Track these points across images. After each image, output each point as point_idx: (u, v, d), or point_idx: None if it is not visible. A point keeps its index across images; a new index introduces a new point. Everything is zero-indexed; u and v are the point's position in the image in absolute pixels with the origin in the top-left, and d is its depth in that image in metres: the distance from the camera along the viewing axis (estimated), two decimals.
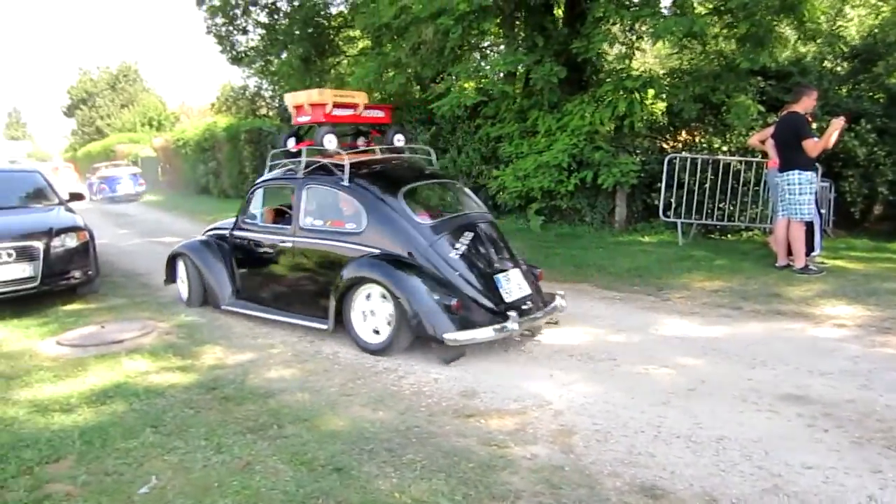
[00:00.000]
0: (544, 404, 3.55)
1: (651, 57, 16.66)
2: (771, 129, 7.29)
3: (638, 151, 9.87)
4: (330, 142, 5.28)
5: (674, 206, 8.96)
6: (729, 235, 9.73)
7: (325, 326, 4.74)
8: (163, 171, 28.11)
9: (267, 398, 3.73)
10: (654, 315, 5.56)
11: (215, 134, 20.80)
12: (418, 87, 12.70)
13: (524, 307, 4.57)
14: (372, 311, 4.55)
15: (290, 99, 5.91)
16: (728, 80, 9.25)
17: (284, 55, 14.79)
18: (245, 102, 22.05)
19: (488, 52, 12.41)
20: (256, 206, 5.76)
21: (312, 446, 3.08)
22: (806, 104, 6.68)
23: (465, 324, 4.21)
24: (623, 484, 2.72)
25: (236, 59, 16.47)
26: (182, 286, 6.28)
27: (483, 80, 10.17)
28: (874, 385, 3.80)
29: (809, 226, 6.79)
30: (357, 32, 13.63)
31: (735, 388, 3.78)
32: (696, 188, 8.90)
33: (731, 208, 9.12)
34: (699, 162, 8.94)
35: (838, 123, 6.64)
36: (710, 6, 9.11)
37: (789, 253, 6.83)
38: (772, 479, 2.74)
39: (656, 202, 9.21)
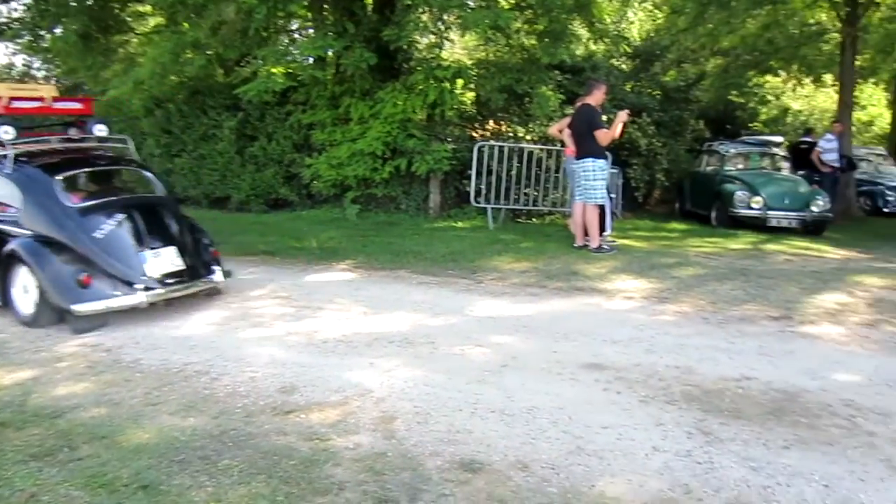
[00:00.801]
0: (365, 393, 3.54)
1: (460, 48, 17.26)
2: (567, 120, 7.89)
3: (450, 139, 10.19)
4: (6, 132, 5.36)
5: (484, 192, 9.38)
6: (535, 219, 10.41)
7: None
8: None
9: (55, 418, 3.27)
10: (468, 297, 5.78)
11: None
12: (222, 71, 11.98)
13: (170, 281, 5.09)
14: (25, 288, 4.93)
15: None
16: (531, 73, 9.84)
17: (59, 30, 13.09)
18: (12, 83, 19.33)
19: (297, 35, 12.04)
20: None
21: (113, 465, 2.78)
22: (597, 97, 7.30)
23: (99, 296, 4.72)
24: (444, 462, 2.80)
25: None
26: None
27: (292, 65, 9.86)
28: (656, 349, 4.28)
29: (602, 209, 7.47)
30: (148, 8, 12.46)
31: (542, 361, 4.06)
32: (504, 175, 9.39)
33: (536, 194, 9.76)
34: (506, 150, 9.44)
35: (623, 116, 7.34)
36: (513, 1, 9.60)
37: (586, 234, 7.45)
38: (575, 441, 2.98)
39: (468, 189, 9.58)
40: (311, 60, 10.23)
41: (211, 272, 5.48)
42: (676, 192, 13.70)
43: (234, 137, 11.08)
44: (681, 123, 13.82)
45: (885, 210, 14.66)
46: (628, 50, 13.76)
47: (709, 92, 16.29)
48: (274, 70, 9.24)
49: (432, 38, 9.91)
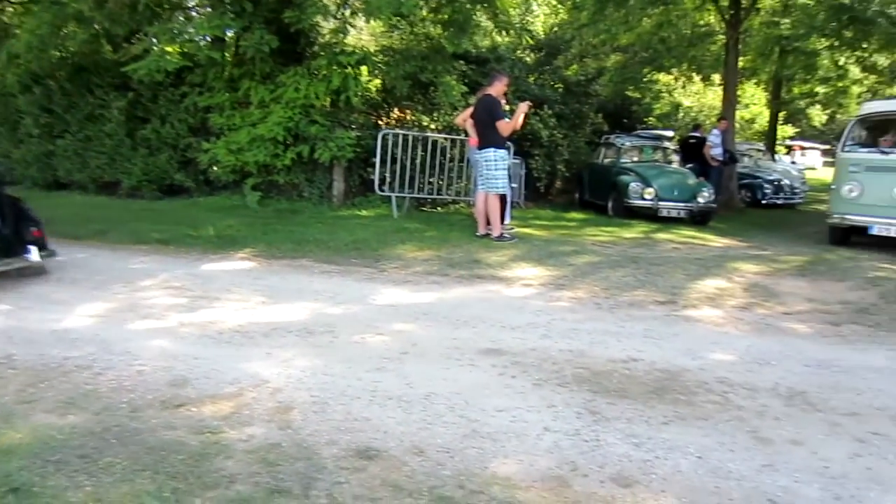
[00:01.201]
0: (261, 384, 3.47)
1: (368, 34, 17.07)
2: (471, 110, 7.99)
3: (354, 126, 10.09)
4: None
5: (388, 180, 9.37)
6: (440, 208, 10.50)
7: None
8: None
9: None
10: (371, 286, 5.77)
11: None
12: (110, 48, 11.30)
13: None
14: None
15: None
16: (435, 62, 9.89)
17: None
18: None
19: (194, 13, 11.51)
20: None
21: None
22: (498, 88, 7.43)
23: None
24: (340, 450, 2.79)
25: None
26: None
27: (188, 45, 9.44)
28: (551, 334, 4.43)
29: (504, 198, 7.63)
30: None
31: (442, 348, 4.11)
32: (409, 163, 9.41)
33: (440, 183, 9.84)
34: (410, 138, 9.45)
35: (523, 107, 7.51)
36: None
37: (488, 223, 7.59)
38: (470, 425, 3.04)
39: (372, 177, 9.53)
40: (208, 40, 9.83)
41: (27, 251, 5.45)
42: (576, 183, 14.19)
43: (124, 119, 10.51)
44: (581, 116, 14.31)
45: (763, 202, 15.79)
46: (531, 42, 14.06)
47: (607, 87, 16.92)
48: (169, 48, 8.81)
49: (336, 22, 9.74)
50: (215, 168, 9.77)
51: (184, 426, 2.97)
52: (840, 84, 20.31)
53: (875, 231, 8.60)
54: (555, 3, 18.50)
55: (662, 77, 20.03)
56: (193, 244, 7.21)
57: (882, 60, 19.60)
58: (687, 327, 4.73)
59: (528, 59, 14.89)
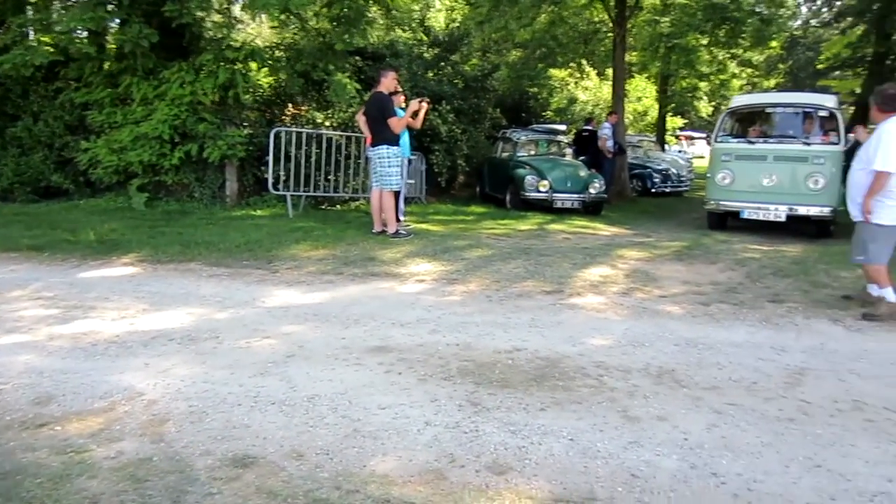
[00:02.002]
0: (135, 396, 3.33)
1: (265, 29, 16.63)
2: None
3: (246, 124, 9.82)
4: None
5: (283, 179, 9.18)
6: (338, 206, 10.40)
7: None
8: None
9: None
10: (262, 288, 5.65)
11: None
12: None
13: None
14: None
15: None
16: (328, 59, 9.76)
17: None
18: None
19: (70, 4, 10.82)
20: None
21: None
22: (387, 84, 7.43)
23: None
24: (215, 460, 2.73)
25: None
26: None
27: (62, 37, 8.86)
28: (441, 329, 4.50)
29: (398, 195, 7.65)
30: None
31: (329, 348, 4.09)
32: (304, 161, 9.26)
33: (337, 180, 9.74)
34: (304, 136, 9.30)
35: (414, 105, 7.55)
36: None
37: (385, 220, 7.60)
38: (353, 425, 3.05)
39: (266, 175, 9.31)
40: (85, 33, 9.28)
41: None
42: (476, 177, 14.42)
43: None
44: (480, 111, 14.53)
45: (653, 190, 16.63)
46: (425, 38, 14.13)
47: (505, 83, 17.27)
48: (45, 39, 8.21)
49: (221, 17, 9.43)
50: (97, 168, 9.24)
51: (45, 447, 2.81)
52: (720, 78, 21.65)
53: (746, 215, 9.27)
54: (453, 1, 18.70)
55: (558, 72, 20.69)
56: (71, 250, 6.80)
57: (756, 56, 21.07)
58: (571, 315, 4.92)
59: (426, 54, 14.97)
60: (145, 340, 4.19)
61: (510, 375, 3.67)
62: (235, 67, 8.79)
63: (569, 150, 13.50)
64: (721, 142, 9.77)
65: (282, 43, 10.55)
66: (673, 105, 28.23)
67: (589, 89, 23.38)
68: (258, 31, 16.91)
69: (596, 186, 11.41)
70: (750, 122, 10.36)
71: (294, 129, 9.36)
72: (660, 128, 24.26)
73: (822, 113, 9.52)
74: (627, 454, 2.82)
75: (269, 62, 9.47)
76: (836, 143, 9.07)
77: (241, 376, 3.63)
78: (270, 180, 9.07)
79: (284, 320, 4.71)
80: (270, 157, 8.94)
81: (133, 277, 5.97)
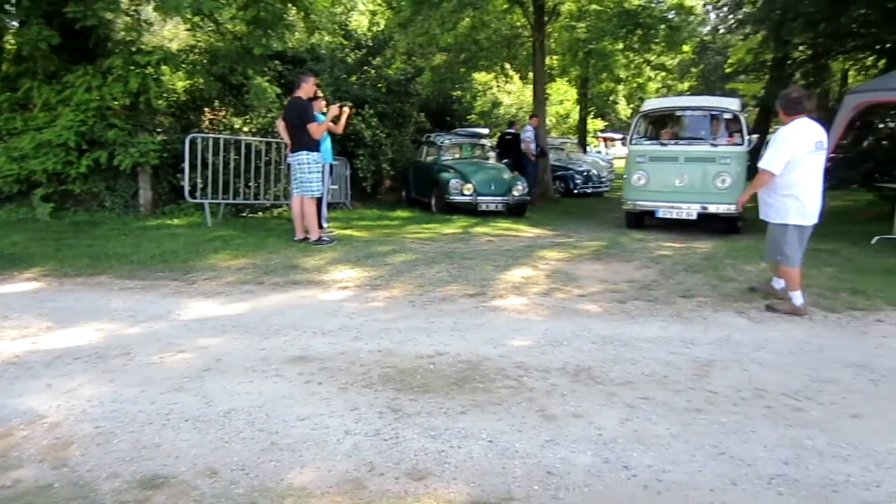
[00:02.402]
0: (36, 420, 3.15)
1: (182, 32, 16.11)
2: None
3: (159, 130, 9.47)
4: None
5: (200, 186, 8.91)
6: (260, 213, 10.18)
7: None
8: None
9: None
10: (178, 300, 5.45)
11: None
12: None
13: None
14: None
15: None
16: (246, 62, 9.53)
17: None
18: None
19: None
20: None
21: None
22: (307, 90, 7.33)
23: None
24: (122, 483, 2.61)
25: None
26: None
27: None
28: (363, 336, 4.47)
29: (320, 201, 7.56)
30: None
31: (248, 361, 3.99)
32: (222, 168, 9.01)
33: (258, 187, 9.53)
34: (222, 142, 9.05)
35: (334, 110, 7.49)
36: None
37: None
38: (270, 438, 2.99)
39: (183, 183, 9.01)
40: None
41: None
42: (402, 182, 14.41)
43: None
44: (404, 115, 14.53)
45: (575, 191, 17.06)
46: (344, 42, 14.02)
47: (428, 86, 17.33)
48: None
49: (129, 19, 9.07)
50: None
51: None
52: (637, 81, 22.44)
53: (661, 214, 9.64)
54: (376, 4, 18.62)
55: (481, 76, 20.93)
56: None
57: (669, 60, 21.95)
58: (493, 317, 4.98)
59: (349, 58, 14.85)
60: (48, 360, 3.97)
61: (431, 380, 3.68)
62: (147, 72, 8.45)
63: (492, 154, 13.69)
64: (636, 144, 10.11)
65: (197, 46, 10.23)
66: (593, 108, 29.07)
67: (512, 93, 23.77)
68: (174, 33, 16.38)
69: (519, 189, 11.61)
70: (662, 124, 10.81)
71: (211, 135, 9.09)
72: (581, 130, 24.93)
73: (727, 115, 9.96)
74: (544, 452, 2.88)
75: (184, 66, 9.16)
76: (740, 144, 9.52)
77: (152, 393, 3.49)
78: (187, 188, 8.78)
79: (201, 333, 4.56)
80: (186, 164, 8.65)
81: (36, 293, 5.65)
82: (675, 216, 9.51)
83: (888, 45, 12.92)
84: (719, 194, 9.27)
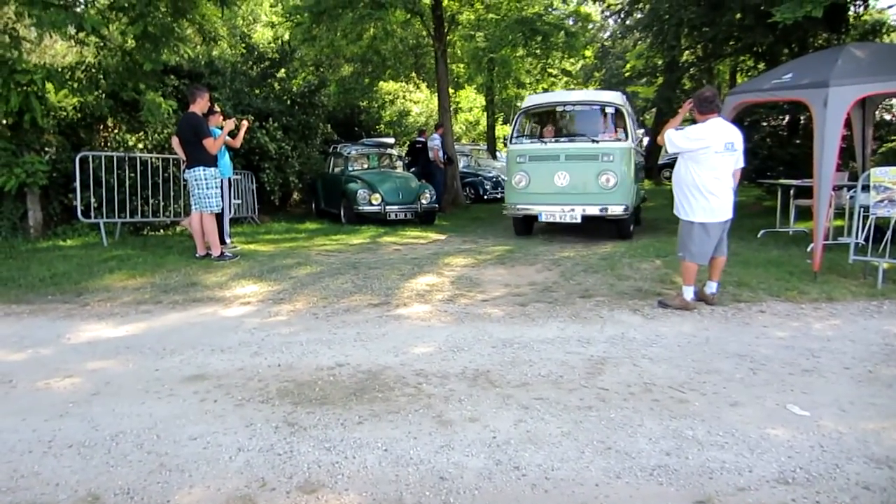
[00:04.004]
0: None
1: (66, 48, 15.36)
2: None
3: (47, 149, 9.01)
4: None
5: (95, 205, 8.53)
6: (162, 231, 9.84)
7: None
8: None
9: None
10: (69, 323, 5.22)
11: None
12: None
13: None
14: None
15: None
16: (137, 78, 9.20)
17: None
18: None
19: None
20: None
21: None
22: (201, 105, 7.19)
23: None
24: None
25: None
26: None
27: None
28: (263, 351, 4.42)
29: (221, 216, 7.40)
30: None
31: (140, 382, 3.87)
32: (117, 186, 8.66)
33: (157, 204, 9.22)
34: (115, 159, 8.70)
35: (231, 124, 7.36)
36: (106, 2, 8.81)
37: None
38: (159, 460, 2.92)
39: (75, 203, 8.61)
40: None
41: None
42: (311, 194, 14.28)
43: None
44: (310, 127, 14.40)
45: (486, 197, 17.40)
46: (244, 51, 13.79)
47: (334, 98, 17.24)
48: None
49: (8, 38, 8.57)
50: None
51: None
52: (542, 86, 23.08)
53: (543, 218, 9.12)
54: (278, 16, 18.37)
55: (389, 85, 21.02)
56: None
57: (571, 66, 22.74)
58: (396, 326, 5.03)
59: (251, 71, 14.58)
60: None
61: (330, 392, 3.69)
62: (29, 90, 8.01)
63: (400, 163, 13.79)
64: (516, 143, 9.49)
65: (84, 62, 9.77)
66: (501, 114, 29.69)
67: (420, 101, 23.98)
68: (63, 49, 15.61)
69: (427, 196, 11.75)
70: (544, 122, 10.15)
71: (103, 153, 8.73)
72: (490, 136, 25.41)
73: (609, 110, 9.33)
74: (438, 458, 2.93)
75: (70, 83, 8.73)
76: (624, 140, 8.92)
77: (34, 421, 3.34)
78: (79, 208, 8.39)
79: (92, 356, 4.39)
80: (77, 183, 8.27)
81: None
82: (558, 220, 8.98)
83: (764, 48, 13.84)
84: (604, 194, 8.69)
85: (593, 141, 8.94)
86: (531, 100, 10.22)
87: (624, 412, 3.41)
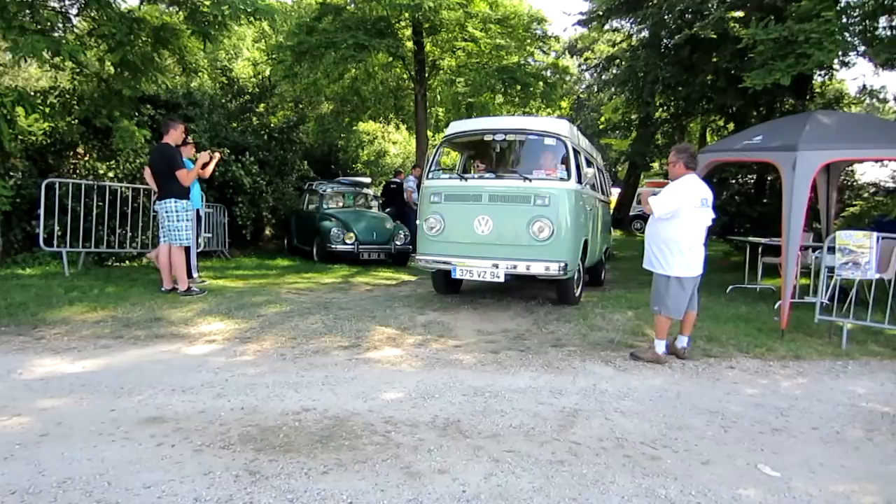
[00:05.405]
0: None
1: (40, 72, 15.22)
2: None
3: (12, 174, 8.79)
4: None
5: (58, 234, 8.31)
6: (128, 262, 9.60)
7: None
8: None
9: None
10: (21, 357, 4.99)
11: None
12: None
13: None
14: None
15: None
16: (112, 105, 9.09)
17: None
18: None
19: None
20: None
21: None
22: (175, 136, 7.10)
23: None
24: None
25: None
26: None
27: None
28: (227, 392, 4.26)
29: (189, 250, 7.25)
30: None
31: (94, 423, 3.69)
32: (83, 214, 8.46)
33: (124, 234, 9.01)
34: (83, 187, 8.52)
35: (204, 156, 7.28)
36: (85, 28, 8.77)
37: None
38: None
39: (38, 230, 8.37)
40: None
41: None
42: (284, 230, 14.15)
43: None
44: (286, 163, 14.36)
45: None
46: (226, 86, 13.79)
47: (312, 135, 17.27)
48: None
49: None
50: None
51: None
52: None
53: (457, 275, 6.97)
54: (261, 53, 18.52)
55: (368, 125, 21.17)
56: None
57: (546, 115, 23.19)
58: (366, 370, 4.91)
59: (230, 104, 14.55)
60: None
61: (295, 438, 3.56)
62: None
63: (375, 202, 13.77)
64: (432, 178, 7.48)
65: (58, 87, 9.64)
66: None
67: (398, 142, 24.15)
68: (37, 73, 15.45)
69: (401, 237, 11.72)
70: (473, 155, 8.68)
71: (71, 180, 8.53)
72: None
73: (549, 141, 7.24)
74: None
75: (41, 108, 8.58)
76: (566, 179, 6.94)
77: None
78: (41, 235, 8.15)
79: (43, 394, 4.18)
80: (41, 210, 8.05)
81: None
82: (476, 278, 6.86)
83: (734, 109, 14.38)
84: (536, 248, 6.73)
85: (525, 179, 6.92)
86: (455, 126, 7.97)
87: (596, 468, 3.34)
